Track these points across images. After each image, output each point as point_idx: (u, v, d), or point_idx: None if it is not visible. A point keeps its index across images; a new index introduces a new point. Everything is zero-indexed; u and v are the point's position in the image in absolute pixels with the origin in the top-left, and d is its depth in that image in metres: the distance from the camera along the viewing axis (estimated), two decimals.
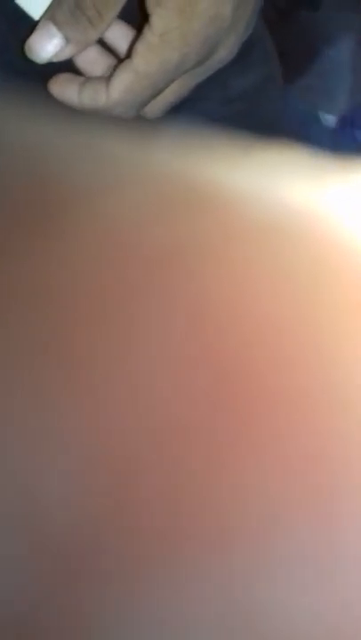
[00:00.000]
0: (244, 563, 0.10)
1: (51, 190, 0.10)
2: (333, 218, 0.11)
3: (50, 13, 0.50)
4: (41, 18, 0.51)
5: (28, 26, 0.51)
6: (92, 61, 0.54)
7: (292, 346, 0.10)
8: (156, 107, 0.52)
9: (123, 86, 0.50)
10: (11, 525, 0.09)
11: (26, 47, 0.51)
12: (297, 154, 0.11)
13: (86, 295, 0.10)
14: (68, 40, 0.50)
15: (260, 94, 0.68)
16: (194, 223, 0.11)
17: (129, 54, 0.51)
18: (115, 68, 0.51)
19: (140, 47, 0.50)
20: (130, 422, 0.10)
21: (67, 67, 0.52)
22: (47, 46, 0.50)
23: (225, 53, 0.54)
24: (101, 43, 0.54)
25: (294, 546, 0.10)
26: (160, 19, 0.50)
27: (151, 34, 0.50)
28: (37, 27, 0.51)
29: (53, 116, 0.11)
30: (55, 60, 0.51)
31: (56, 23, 0.50)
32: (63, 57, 0.51)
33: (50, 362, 0.10)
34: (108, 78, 0.51)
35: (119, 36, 0.54)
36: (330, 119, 1.11)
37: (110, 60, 0.54)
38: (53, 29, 0.50)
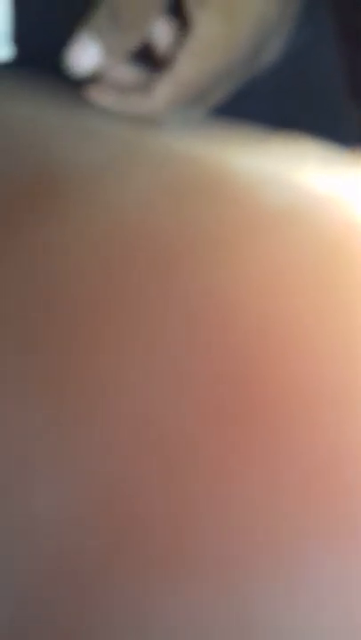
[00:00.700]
0: (246, 569, 0.09)
1: (56, 177, 0.10)
2: (347, 205, 0.11)
3: (87, 25, 0.50)
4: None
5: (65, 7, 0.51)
6: (124, 70, 0.53)
7: (306, 335, 0.10)
8: (197, 109, 0.51)
9: (166, 97, 0.48)
10: (11, 536, 0.09)
11: (65, 61, 0.50)
12: (309, 143, 0.11)
13: (91, 282, 0.10)
14: (105, 50, 0.49)
15: (309, 56, 0.66)
16: (204, 210, 0.10)
17: (169, 58, 0.49)
18: (154, 77, 0.50)
19: (182, 56, 0.48)
20: (130, 421, 0.10)
21: None
22: (85, 58, 0.50)
23: (269, 57, 0.52)
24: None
25: (299, 551, 0.10)
26: (203, 23, 0.47)
27: (194, 40, 0.47)
28: (75, 39, 0.50)
29: (59, 102, 0.11)
30: (93, 70, 0.50)
31: (93, 34, 0.49)
32: (101, 67, 0.50)
33: (50, 358, 0.10)
34: (149, 87, 0.49)
35: (157, 32, 0.51)
36: None
37: (140, 67, 0.53)
38: (90, 41, 0.50)
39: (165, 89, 0.48)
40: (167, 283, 0.10)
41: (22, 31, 0.56)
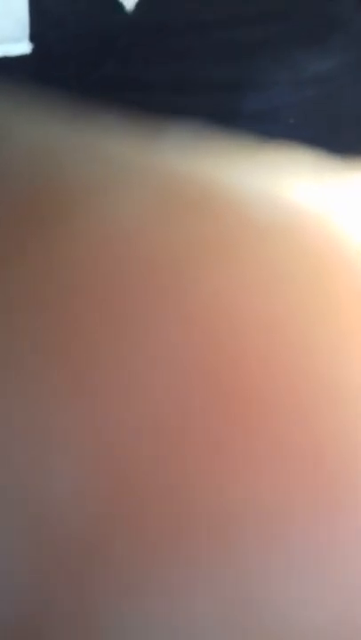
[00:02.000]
0: (247, 562, 0.10)
1: (51, 191, 0.11)
2: (334, 220, 0.11)
3: None
4: None
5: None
6: None
7: (294, 350, 0.10)
8: None
9: None
10: (14, 527, 0.09)
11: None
12: (303, 155, 0.11)
13: (86, 297, 0.10)
14: None
15: (333, 83, 0.65)
16: (197, 225, 0.11)
17: None
18: None
19: None
20: (131, 423, 0.10)
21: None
22: None
23: None
24: None
25: (296, 546, 0.10)
26: None
27: None
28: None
29: (55, 115, 0.11)
30: None
31: None
32: None
33: (49, 365, 0.10)
34: None
35: None
36: None
37: None
38: None
39: None
40: (162, 294, 0.10)
41: (39, 27, 0.56)
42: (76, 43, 0.58)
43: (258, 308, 0.10)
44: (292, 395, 0.10)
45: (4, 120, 0.11)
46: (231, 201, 0.11)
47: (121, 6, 0.67)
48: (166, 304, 0.10)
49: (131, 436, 0.10)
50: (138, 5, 0.68)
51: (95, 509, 0.09)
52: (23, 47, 0.67)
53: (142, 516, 0.10)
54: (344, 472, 0.10)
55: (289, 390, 0.10)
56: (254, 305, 0.10)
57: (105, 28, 0.67)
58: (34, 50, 0.66)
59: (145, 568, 0.09)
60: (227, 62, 0.70)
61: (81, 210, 0.10)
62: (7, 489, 0.09)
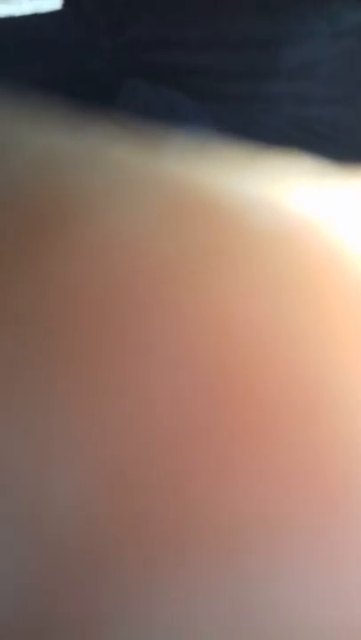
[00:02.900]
0: (248, 567, 0.10)
1: (53, 199, 0.11)
2: (332, 228, 0.11)
3: None
4: None
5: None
6: None
7: (292, 357, 0.10)
8: None
9: None
10: (14, 529, 0.10)
11: None
12: (303, 162, 0.11)
13: (87, 305, 0.10)
14: None
15: None
16: (197, 232, 0.11)
17: None
18: None
19: None
20: (132, 427, 0.10)
21: None
22: None
23: None
24: None
25: (297, 552, 0.10)
26: None
27: None
28: None
29: (57, 123, 0.11)
30: None
31: None
32: None
33: (51, 371, 0.10)
34: None
35: None
36: None
37: None
38: None
39: None
40: (162, 300, 0.10)
41: None
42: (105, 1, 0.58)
43: (257, 315, 0.10)
44: (289, 403, 0.10)
45: (6, 128, 0.11)
46: (231, 208, 0.11)
47: None
48: (166, 311, 0.10)
49: (131, 441, 0.10)
50: None
51: (96, 513, 0.10)
52: (54, 3, 0.66)
53: (143, 519, 0.10)
54: (343, 478, 0.10)
55: (286, 398, 0.10)
56: (253, 311, 0.10)
57: None
58: (64, 6, 0.66)
59: (146, 572, 0.10)
60: (260, 17, 0.68)
61: (82, 217, 0.10)
62: (8, 490, 0.10)
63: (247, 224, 0.11)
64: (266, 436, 0.10)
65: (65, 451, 0.10)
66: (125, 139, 0.11)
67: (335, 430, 0.10)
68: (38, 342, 0.10)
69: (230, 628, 0.10)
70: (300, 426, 0.10)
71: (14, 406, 0.10)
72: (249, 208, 0.11)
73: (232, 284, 0.10)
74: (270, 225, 0.11)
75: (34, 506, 0.10)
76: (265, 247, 0.11)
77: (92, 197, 0.11)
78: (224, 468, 0.10)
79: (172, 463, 0.10)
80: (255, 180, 0.11)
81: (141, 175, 0.11)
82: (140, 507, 0.10)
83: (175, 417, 0.10)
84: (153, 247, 0.10)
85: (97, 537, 0.10)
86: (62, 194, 0.11)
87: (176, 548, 0.10)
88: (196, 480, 0.10)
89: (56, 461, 0.10)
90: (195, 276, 0.10)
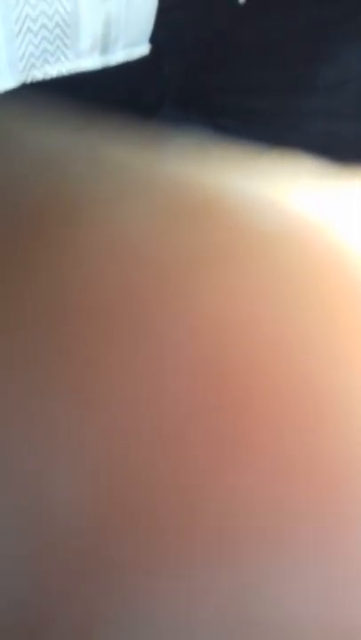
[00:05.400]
0: (248, 565, 0.10)
1: (55, 200, 0.11)
2: (334, 228, 0.11)
3: None
4: None
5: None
6: None
7: (294, 357, 0.10)
8: None
9: None
10: (16, 528, 0.10)
11: None
12: (304, 162, 0.11)
13: (88, 306, 0.10)
14: None
15: None
16: (199, 232, 0.11)
17: None
18: None
19: None
20: (134, 429, 0.10)
21: None
22: None
23: None
24: None
25: (297, 549, 0.10)
26: None
27: None
28: None
29: (59, 125, 0.11)
30: None
31: None
32: None
33: (54, 371, 0.10)
34: None
35: None
36: None
37: None
38: None
39: None
40: (165, 300, 0.10)
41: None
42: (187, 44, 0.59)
43: (259, 313, 0.10)
44: (292, 401, 0.10)
45: (6, 128, 0.11)
46: (233, 208, 0.11)
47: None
48: (169, 310, 0.10)
49: (132, 441, 0.10)
50: None
51: (96, 514, 0.10)
52: (143, 49, 0.67)
53: (143, 519, 0.10)
54: (343, 478, 0.10)
55: (289, 396, 0.10)
56: (255, 310, 0.10)
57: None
58: (151, 51, 0.67)
59: (145, 572, 0.10)
60: (300, 38, 0.69)
61: (83, 217, 0.10)
62: (8, 491, 0.10)
63: (248, 224, 0.11)
64: (267, 436, 0.10)
65: (65, 450, 0.10)
66: (125, 139, 0.11)
67: (338, 429, 0.10)
68: (39, 342, 0.10)
69: (231, 628, 0.10)
70: (303, 425, 0.10)
71: (14, 406, 0.10)
72: (250, 208, 0.11)
73: (233, 283, 0.10)
74: (272, 225, 0.11)
75: (34, 506, 0.10)
76: (266, 247, 0.11)
77: (93, 197, 0.11)
78: (224, 468, 0.10)
79: (172, 463, 0.10)
80: (256, 181, 0.11)
81: (142, 175, 0.11)
82: (140, 507, 0.10)
83: (176, 417, 0.10)
84: (154, 247, 0.10)
85: (97, 537, 0.10)
86: (63, 194, 0.11)
87: (176, 547, 0.10)
88: (196, 480, 0.10)
89: (56, 461, 0.10)
90: (196, 275, 0.10)
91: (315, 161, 0.11)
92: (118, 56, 0.64)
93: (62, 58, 0.60)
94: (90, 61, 0.62)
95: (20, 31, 0.57)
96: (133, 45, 0.63)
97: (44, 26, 0.58)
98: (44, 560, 0.10)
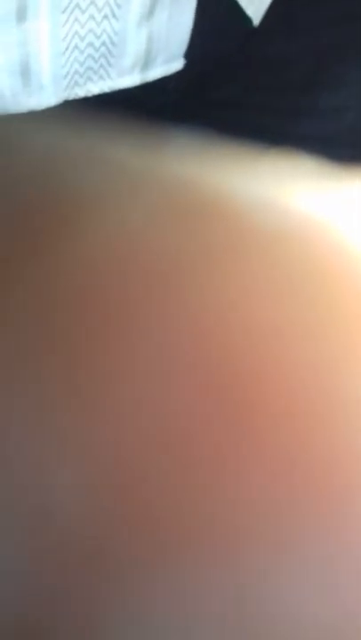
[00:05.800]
0: (248, 565, 0.10)
1: (52, 198, 0.11)
2: (336, 227, 0.11)
3: None
4: None
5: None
6: None
7: (297, 357, 0.10)
8: None
9: None
10: (15, 528, 0.10)
11: None
12: (306, 162, 0.11)
13: (89, 305, 0.10)
14: None
15: None
16: (201, 232, 0.11)
17: None
18: None
19: None
20: (135, 429, 0.10)
21: None
22: None
23: None
24: None
25: (297, 549, 0.10)
26: None
27: None
28: None
29: (59, 124, 0.11)
30: None
31: None
32: None
33: (53, 370, 0.10)
34: None
35: None
36: None
37: None
38: None
39: None
40: (166, 300, 0.10)
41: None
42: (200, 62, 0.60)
43: (260, 313, 0.10)
44: (295, 401, 0.10)
45: (6, 128, 0.11)
46: (234, 208, 0.11)
47: (249, 20, 0.68)
48: (170, 311, 0.10)
49: (133, 441, 0.10)
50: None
51: (97, 513, 0.10)
52: (179, 64, 0.67)
53: (143, 519, 0.10)
54: (344, 478, 0.10)
55: (293, 396, 0.10)
56: (257, 310, 0.10)
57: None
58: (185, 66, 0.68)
59: (146, 571, 0.10)
60: (305, 64, 0.70)
61: (83, 217, 0.11)
62: (8, 491, 0.10)
63: (249, 224, 0.11)
64: (269, 435, 0.10)
65: (66, 451, 0.10)
66: (125, 139, 0.11)
67: (342, 429, 0.10)
68: (39, 341, 0.10)
69: (231, 628, 0.10)
70: (304, 424, 0.10)
71: (15, 406, 0.10)
72: (251, 208, 0.11)
73: (234, 283, 0.10)
74: (272, 224, 0.11)
75: (34, 506, 0.10)
76: (267, 246, 0.11)
77: (93, 197, 0.11)
78: (225, 467, 0.10)
79: (172, 463, 0.10)
80: (257, 180, 0.11)
81: (142, 175, 0.11)
82: (140, 507, 0.10)
83: (177, 417, 0.10)
84: (154, 247, 0.10)
85: (97, 537, 0.10)
86: (63, 194, 0.11)
87: (176, 548, 0.10)
88: (197, 480, 0.10)
89: (56, 462, 0.10)
90: (197, 275, 0.10)
91: (315, 161, 0.11)
92: (156, 72, 0.64)
93: (105, 76, 0.60)
94: (130, 79, 0.62)
95: (67, 49, 0.58)
96: (171, 61, 0.64)
97: (90, 44, 0.58)
98: (44, 560, 0.09)
